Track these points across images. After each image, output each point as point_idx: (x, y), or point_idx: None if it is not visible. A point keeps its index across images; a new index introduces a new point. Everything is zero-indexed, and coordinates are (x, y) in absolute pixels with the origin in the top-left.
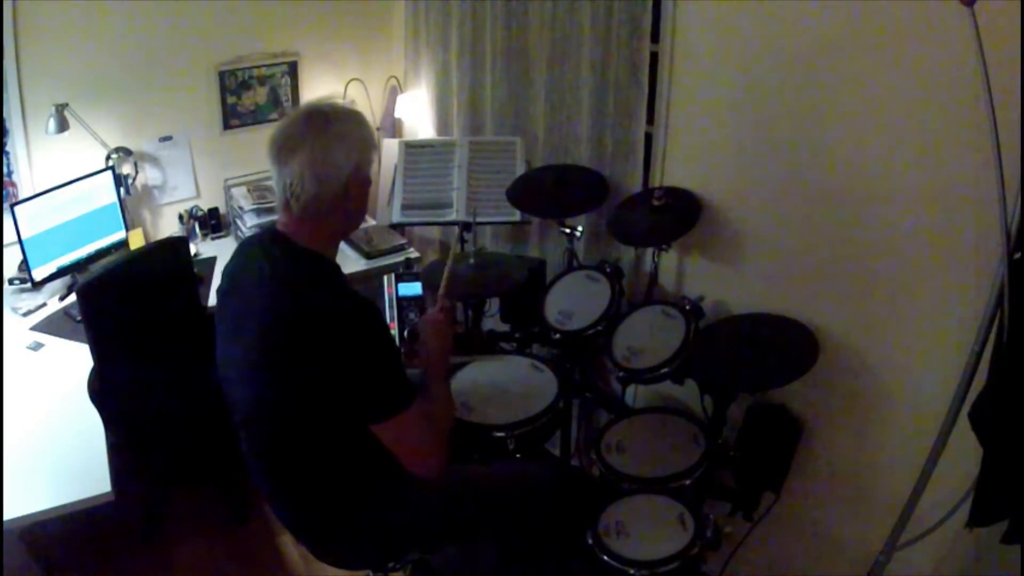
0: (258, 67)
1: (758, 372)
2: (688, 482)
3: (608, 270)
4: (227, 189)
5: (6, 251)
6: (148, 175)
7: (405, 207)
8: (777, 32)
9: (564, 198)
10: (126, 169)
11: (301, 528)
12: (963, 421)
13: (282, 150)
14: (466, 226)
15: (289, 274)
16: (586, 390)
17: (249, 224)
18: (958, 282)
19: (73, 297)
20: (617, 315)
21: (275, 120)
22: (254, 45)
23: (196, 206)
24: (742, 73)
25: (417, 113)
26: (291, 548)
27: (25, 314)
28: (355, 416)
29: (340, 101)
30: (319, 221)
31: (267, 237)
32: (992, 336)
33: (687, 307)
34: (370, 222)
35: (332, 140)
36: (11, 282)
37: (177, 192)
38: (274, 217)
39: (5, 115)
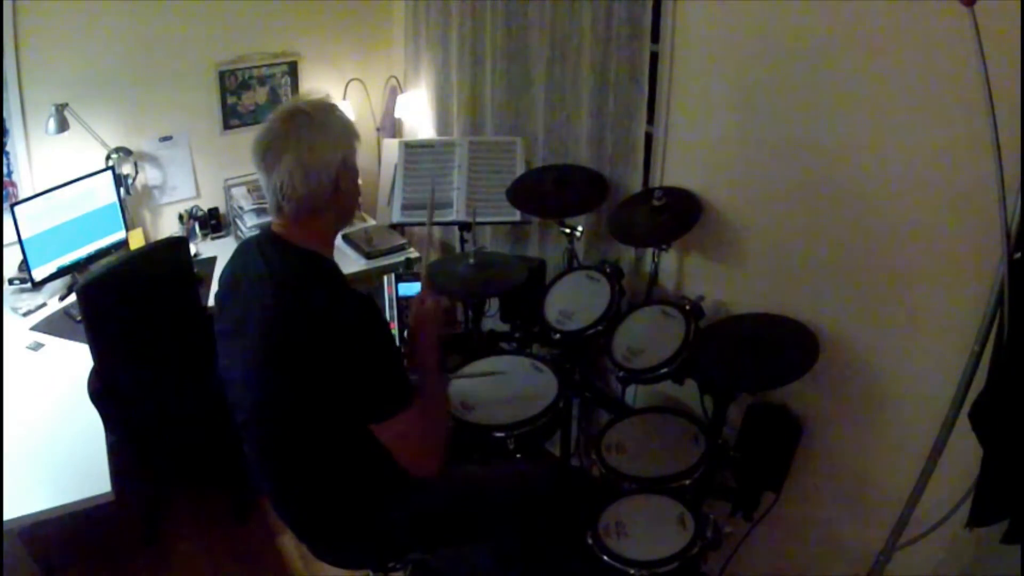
0: (258, 67)
1: (758, 372)
2: (688, 482)
3: (608, 270)
4: (227, 189)
5: (6, 251)
6: (148, 175)
7: (405, 207)
8: (777, 32)
9: (564, 198)
10: (126, 169)
11: (302, 527)
12: (963, 421)
13: (268, 154)
14: (466, 226)
15: (288, 274)
16: (586, 390)
17: (249, 224)
18: (958, 282)
19: (73, 297)
20: (617, 315)
21: None
22: (254, 45)
23: (196, 206)
24: (742, 73)
25: (417, 113)
26: (291, 548)
27: (25, 314)
28: (355, 416)
29: (314, 96)
30: (313, 219)
31: (264, 239)
32: (992, 336)
33: (687, 307)
34: (370, 222)
35: (316, 135)
36: (11, 282)
37: (177, 192)
38: None
39: (5, 115)
